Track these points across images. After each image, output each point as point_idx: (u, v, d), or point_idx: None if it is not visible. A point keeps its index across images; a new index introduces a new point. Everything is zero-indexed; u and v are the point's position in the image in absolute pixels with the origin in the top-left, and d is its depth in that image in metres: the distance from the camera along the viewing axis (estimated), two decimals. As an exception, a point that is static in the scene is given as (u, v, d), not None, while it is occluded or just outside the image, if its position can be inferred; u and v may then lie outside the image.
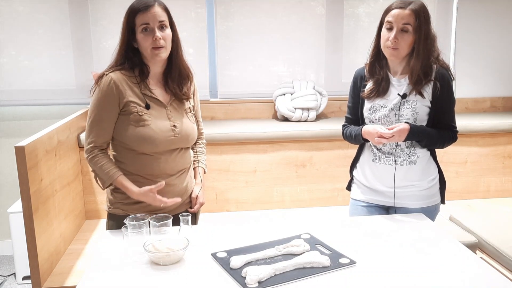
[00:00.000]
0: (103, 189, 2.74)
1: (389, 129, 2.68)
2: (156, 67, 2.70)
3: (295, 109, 4.83)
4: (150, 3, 2.56)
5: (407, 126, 2.69)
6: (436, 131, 2.80)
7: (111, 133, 2.66)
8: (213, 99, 5.11)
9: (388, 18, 2.72)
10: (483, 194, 4.82)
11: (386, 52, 2.77)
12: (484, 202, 4.67)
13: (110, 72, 2.61)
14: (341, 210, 4.42)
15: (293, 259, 2.18)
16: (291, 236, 2.47)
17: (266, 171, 4.52)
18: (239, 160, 4.47)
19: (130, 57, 2.64)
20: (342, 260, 2.21)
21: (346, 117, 3.08)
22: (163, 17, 2.60)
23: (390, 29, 2.72)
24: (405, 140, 2.73)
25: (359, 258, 2.23)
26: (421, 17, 2.67)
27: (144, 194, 2.62)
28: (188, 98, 2.82)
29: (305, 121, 4.85)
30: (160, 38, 2.56)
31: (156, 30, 2.56)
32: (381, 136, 2.68)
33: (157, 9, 2.58)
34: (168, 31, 2.62)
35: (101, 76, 2.63)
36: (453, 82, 2.81)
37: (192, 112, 2.87)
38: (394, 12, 2.70)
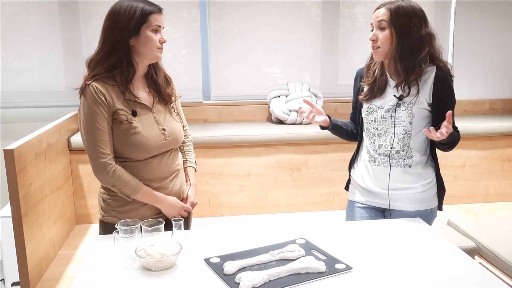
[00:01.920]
0: (130, 199, 2.73)
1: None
2: (144, 68, 2.74)
3: (289, 111, 4.84)
4: (160, 8, 2.70)
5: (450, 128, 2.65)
6: (456, 134, 2.82)
7: (112, 141, 2.64)
8: (206, 101, 5.12)
9: (371, 21, 2.83)
10: (482, 198, 4.84)
11: (373, 54, 2.86)
12: (483, 207, 4.68)
13: (92, 82, 2.59)
14: (337, 215, 4.42)
15: (288, 264, 2.18)
16: (286, 241, 2.47)
17: (261, 174, 4.52)
18: (232, 163, 4.48)
19: (124, 54, 2.64)
20: (338, 266, 2.21)
21: (351, 117, 3.19)
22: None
23: (372, 30, 2.82)
24: (443, 141, 2.70)
25: (355, 264, 2.23)
26: (398, 12, 2.73)
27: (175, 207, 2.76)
28: (172, 101, 2.86)
29: (300, 123, 4.86)
30: (165, 41, 2.71)
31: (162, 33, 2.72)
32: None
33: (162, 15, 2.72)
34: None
35: (83, 87, 2.62)
36: (453, 81, 2.83)
37: (176, 111, 2.91)
38: (374, 14, 2.82)
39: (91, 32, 4.80)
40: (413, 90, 2.77)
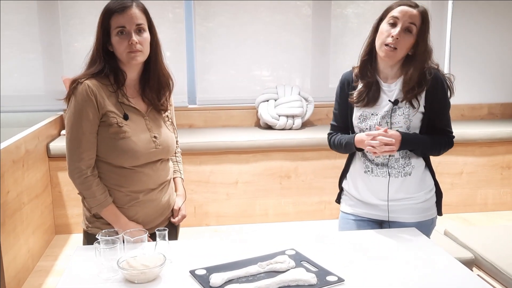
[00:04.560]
0: (91, 214, 2.70)
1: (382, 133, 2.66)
2: (132, 73, 2.63)
3: (279, 116, 4.85)
4: (127, 4, 2.50)
5: (398, 134, 2.69)
6: (430, 137, 2.78)
7: (96, 146, 2.58)
8: (191, 105, 5.13)
9: (394, 13, 2.68)
10: (480, 207, 4.86)
11: (382, 50, 2.72)
12: (481, 216, 4.70)
13: (85, 80, 2.52)
14: (328, 224, 4.43)
15: (277, 276, 2.18)
16: (275, 252, 2.47)
17: (248, 182, 4.53)
18: (219, 170, 4.48)
19: (106, 62, 2.56)
20: (329, 278, 2.21)
21: (332, 125, 3.04)
22: (141, 19, 2.54)
23: (393, 25, 2.68)
24: (398, 150, 2.72)
25: (347, 276, 2.23)
26: (426, 22, 2.68)
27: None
28: (166, 110, 2.77)
29: (289, 129, 4.87)
30: (136, 43, 2.50)
31: (133, 33, 2.50)
32: (374, 139, 2.66)
33: (135, 11, 2.51)
34: (146, 34, 2.56)
35: (75, 85, 2.54)
36: (449, 92, 2.81)
37: (170, 121, 2.84)
38: (403, 8, 2.67)
39: (71, 32, 4.79)
40: (415, 102, 2.76)
